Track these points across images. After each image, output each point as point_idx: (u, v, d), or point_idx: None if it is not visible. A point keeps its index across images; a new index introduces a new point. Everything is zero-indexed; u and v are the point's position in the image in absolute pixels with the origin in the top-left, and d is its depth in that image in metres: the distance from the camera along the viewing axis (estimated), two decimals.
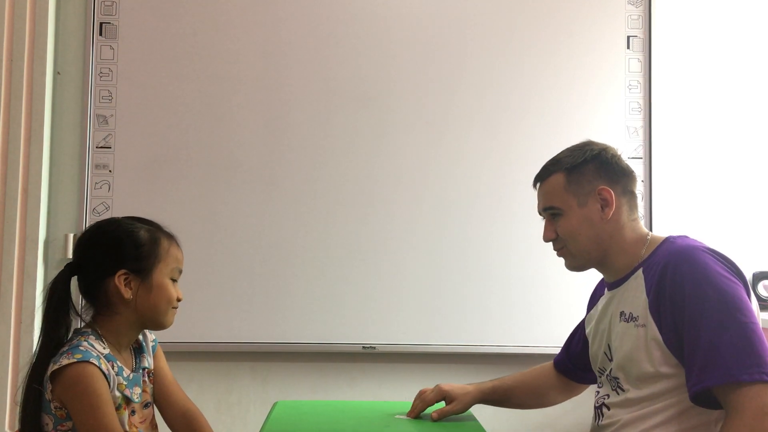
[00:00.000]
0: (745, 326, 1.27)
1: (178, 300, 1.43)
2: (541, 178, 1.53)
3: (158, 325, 1.42)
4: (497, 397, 1.72)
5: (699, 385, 1.28)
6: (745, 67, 2.66)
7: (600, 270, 1.56)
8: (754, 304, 1.35)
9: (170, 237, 1.44)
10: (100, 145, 2.51)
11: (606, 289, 1.55)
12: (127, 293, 1.36)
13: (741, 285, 1.34)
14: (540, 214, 1.55)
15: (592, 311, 1.63)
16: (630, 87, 2.60)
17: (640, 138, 2.60)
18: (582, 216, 1.46)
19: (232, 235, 2.51)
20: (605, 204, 1.46)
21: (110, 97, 2.52)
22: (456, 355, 2.54)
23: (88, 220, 2.48)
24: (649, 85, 2.60)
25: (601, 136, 1.61)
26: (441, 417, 1.61)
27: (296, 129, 2.54)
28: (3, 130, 2.42)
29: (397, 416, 1.65)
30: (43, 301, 1.36)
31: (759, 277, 2.55)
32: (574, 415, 2.53)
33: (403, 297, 2.52)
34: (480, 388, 1.69)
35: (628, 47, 2.61)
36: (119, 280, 1.36)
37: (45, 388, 1.30)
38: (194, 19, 2.54)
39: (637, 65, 2.61)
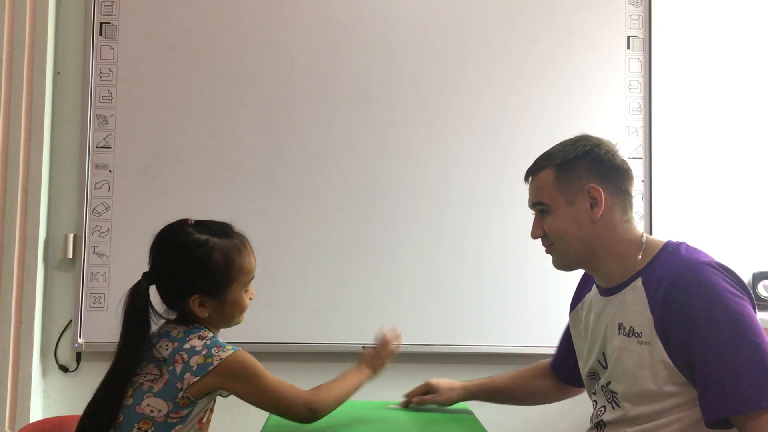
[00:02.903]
0: (757, 347, 1.23)
1: (250, 299, 1.47)
2: (532, 172, 1.48)
3: (231, 326, 1.47)
4: (485, 395, 1.76)
5: (717, 413, 1.24)
6: (745, 67, 2.66)
7: (590, 272, 1.51)
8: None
9: (241, 250, 1.43)
10: (100, 145, 2.51)
11: (599, 293, 1.48)
12: (203, 313, 1.39)
13: (748, 301, 1.29)
14: (530, 208, 1.50)
15: (578, 305, 1.58)
16: (630, 87, 2.60)
17: (640, 138, 2.59)
18: (570, 215, 1.40)
19: None
20: (594, 203, 1.39)
21: (110, 97, 2.52)
22: (455, 355, 2.54)
23: (88, 220, 2.48)
24: (649, 85, 2.60)
25: (601, 136, 1.59)
26: (421, 403, 1.72)
27: (296, 129, 2.54)
28: (3, 130, 2.42)
29: (389, 406, 1.76)
30: (124, 312, 1.38)
31: (759, 277, 2.55)
32: (574, 415, 2.53)
33: (403, 297, 2.52)
34: (466, 386, 1.75)
35: (628, 47, 2.61)
36: (194, 303, 1.38)
37: (180, 378, 1.32)
38: (194, 19, 2.54)
39: (637, 65, 2.61)
